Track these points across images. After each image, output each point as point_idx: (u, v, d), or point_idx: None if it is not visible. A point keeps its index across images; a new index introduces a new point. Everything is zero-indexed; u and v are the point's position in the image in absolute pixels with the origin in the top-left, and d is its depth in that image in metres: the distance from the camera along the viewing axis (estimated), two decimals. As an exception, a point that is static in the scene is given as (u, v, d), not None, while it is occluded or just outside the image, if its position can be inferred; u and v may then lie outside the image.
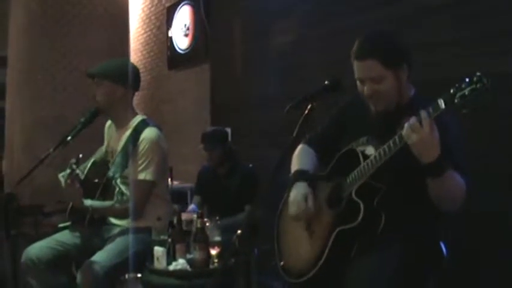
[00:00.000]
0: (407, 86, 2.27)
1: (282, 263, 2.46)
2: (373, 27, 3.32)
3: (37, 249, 3.07)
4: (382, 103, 2.21)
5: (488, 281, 2.79)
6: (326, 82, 2.31)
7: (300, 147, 2.58)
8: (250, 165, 4.20)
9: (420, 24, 3.20)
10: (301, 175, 2.44)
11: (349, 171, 2.23)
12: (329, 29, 3.97)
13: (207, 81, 5.93)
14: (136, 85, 3.27)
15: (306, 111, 2.27)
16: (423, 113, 1.88)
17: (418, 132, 1.88)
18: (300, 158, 2.54)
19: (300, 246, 2.37)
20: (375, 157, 2.10)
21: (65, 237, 3.16)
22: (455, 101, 1.81)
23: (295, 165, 2.52)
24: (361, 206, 2.12)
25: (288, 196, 2.46)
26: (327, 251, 2.18)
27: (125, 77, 3.18)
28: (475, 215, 2.79)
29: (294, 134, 2.26)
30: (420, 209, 2.19)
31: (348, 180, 2.23)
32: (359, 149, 2.26)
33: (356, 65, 2.22)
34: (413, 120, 1.90)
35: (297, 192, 2.37)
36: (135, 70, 3.30)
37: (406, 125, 1.92)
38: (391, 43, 2.22)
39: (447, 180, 1.97)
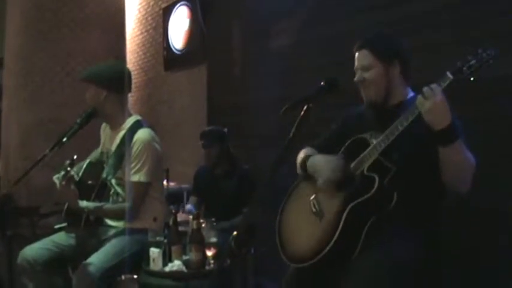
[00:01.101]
0: (403, 86, 2.40)
1: (286, 252, 2.43)
2: (372, 30, 3.33)
3: (33, 250, 3.07)
4: (370, 92, 2.38)
5: (487, 280, 2.79)
6: (322, 83, 2.35)
7: (304, 149, 2.62)
8: (247, 166, 4.21)
9: (420, 26, 3.20)
10: (310, 156, 2.51)
11: (358, 156, 2.30)
12: (327, 31, 3.97)
13: (203, 83, 5.93)
14: (128, 87, 3.28)
15: (303, 113, 2.30)
16: (434, 84, 2.02)
17: (430, 99, 2.00)
18: (306, 151, 2.59)
19: (308, 231, 2.36)
20: (387, 134, 2.18)
21: (61, 238, 3.17)
22: (464, 69, 1.99)
23: (302, 155, 2.56)
24: (376, 178, 2.17)
25: (296, 187, 2.55)
26: (339, 228, 2.19)
27: (109, 81, 3.20)
28: (474, 216, 2.80)
29: (291, 135, 2.28)
30: (426, 200, 2.25)
31: (359, 161, 2.28)
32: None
33: (355, 57, 2.43)
34: (425, 89, 2.03)
35: (317, 162, 2.43)
36: (127, 72, 3.32)
37: (419, 96, 2.05)
38: (386, 39, 2.45)
39: (459, 150, 2.06)
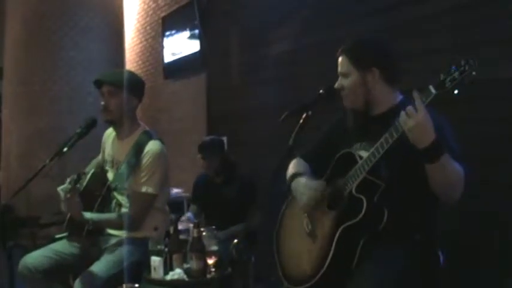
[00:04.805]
0: (388, 93, 2.34)
1: (284, 273, 2.44)
2: (371, 35, 3.34)
3: (34, 258, 3.06)
4: (348, 99, 2.36)
5: (487, 280, 2.79)
6: (320, 91, 2.36)
7: (294, 160, 2.61)
8: (247, 173, 4.21)
9: (416, 32, 3.22)
10: (297, 175, 2.49)
11: (346, 173, 2.26)
12: (326, 38, 3.99)
13: (203, 91, 5.94)
14: (143, 96, 3.30)
15: (302, 120, 2.31)
16: (417, 100, 1.98)
17: (413, 117, 1.97)
18: (295, 166, 2.57)
19: (303, 253, 2.36)
20: (373, 152, 2.14)
21: (62, 246, 3.16)
22: (447, 85, 1.94)
23: (291, 172, 2.54)
24: (364, 200, 2.15)
25: (289, 204, 2.52)
26: (331, 251, 2.18)
27: (139, 88, 3.23)
28: (473, 223, 2.80)
29: (290, 143, 2.29)
30: (419, 210, 2.24)
31: (347, 179, 2.25)
32: (355, 152, 2.30)
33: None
34: (408, 107, 1.99)
35: (301, 184, 2.41)
36: (142, 81, 3.36)
37: (402, 112, 2.01)
38: (364, 46, 2.38)
39: (445, 165, 2.03)
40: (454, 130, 2.21)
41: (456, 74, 1.93)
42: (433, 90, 1.97)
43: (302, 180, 2.42)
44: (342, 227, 2.18)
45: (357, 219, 2.14)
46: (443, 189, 2.10)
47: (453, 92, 1.94)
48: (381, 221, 2.13)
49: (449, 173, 2.05)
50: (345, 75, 2.34)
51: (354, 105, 2.35)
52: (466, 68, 1.92)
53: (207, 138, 4.40)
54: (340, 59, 2.37)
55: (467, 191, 2.11)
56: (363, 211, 2.13)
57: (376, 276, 2.10)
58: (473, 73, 1.92)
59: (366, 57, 2.32)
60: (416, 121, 1.97)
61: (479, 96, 2.74)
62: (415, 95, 1.98)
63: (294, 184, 2.46)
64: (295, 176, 2.49)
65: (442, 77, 1.96)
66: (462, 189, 2.10)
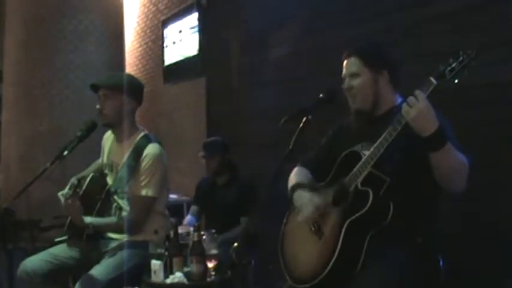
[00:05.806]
0: (391, 94, 2.38)
1: (289, 272, 2.43)
2: (371, 38, 3.35)
3: (33, 262, 3.06)
4: (356, 100, 2.37)
5: (488, 280, 2.79)
6: (321, 95, 2.37)
7: (295, 169, 2.62)
8: (248, 176, 4.22)
9: (418, 35, 3.22)
10: (299, 186, 2.49)
11: (351, 170, 2.27)
12: (326, 41, 3.99)
13: (202, 94, 5.95)
14: (142, 99, 3.31)
15: (302, 124, 2.31)
16: (417, 91, 2.02)
17: (415, 106, 2.01)
18: (297, 176, 2.58)
19: (309, 251, 2.35)
20: (377, 146, 2.16)
21: (61, 250, 3.15)
22: (446, 75, 2.01)
23: (292, 182, 2.55)
24: (370, 192, 2.16)
25: (293, 208, 2.51)
26: (338, 246, 2.18)
27: (136, 91, 3.23)
28: (474, 224, 2.80)
29: (290, 146, 2.30)
30: (423, 206, 2.26)
31: (352, 175, 2.26)
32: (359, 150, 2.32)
33: (343, 65, 2.41)
34: (409, 98, 2.03)
35: (302, 198, 2.42)
36: (141, 84, 3.37)
37: (403, 104, 2.05)
38: (375, 48, 2.45)
39: (449, 153, 2.05)
40: (456, 132, 2.22)
41: (455, 65, 2.00)
42: (433, 81, 2.02)
43: (306, 194, 2.42)
44: (348, 220, 2.18)
45: (364, 210, 2.14)
46: (447, 177, 2.11)
47: (454, 81, 2.00)
48: (387, 215, 2.13)
49: (453, 160, 2.07)
50: (356, 75, 2.35)
51: (362, 105, 2.36)
52: (465, 57, 1.99)
53: (211, 138, 4.45)
54: (351, 59, 2.38)
55: (467, 191, 2.12)
56: (370, 202, 2.14)
57: (379, 278, 2.11)
58: (473, 62, 1.98)
59: (379, 59, 2.37)
60: (418, 109, 2.00)
61: (480, 98, 2.75)
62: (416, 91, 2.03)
63: (297, 195, 2.46)
64: (297, 187, 2.49)
65: (441, 67, 2.02)
66: (466, 178, 2.11)
